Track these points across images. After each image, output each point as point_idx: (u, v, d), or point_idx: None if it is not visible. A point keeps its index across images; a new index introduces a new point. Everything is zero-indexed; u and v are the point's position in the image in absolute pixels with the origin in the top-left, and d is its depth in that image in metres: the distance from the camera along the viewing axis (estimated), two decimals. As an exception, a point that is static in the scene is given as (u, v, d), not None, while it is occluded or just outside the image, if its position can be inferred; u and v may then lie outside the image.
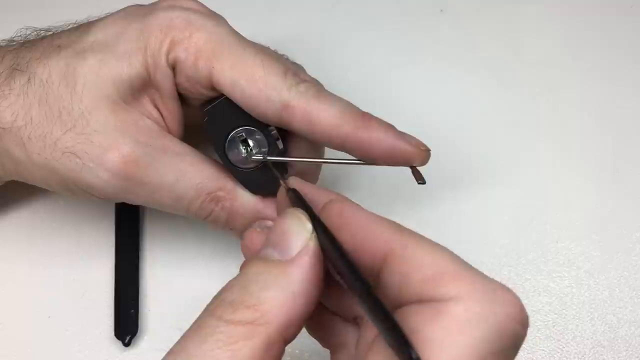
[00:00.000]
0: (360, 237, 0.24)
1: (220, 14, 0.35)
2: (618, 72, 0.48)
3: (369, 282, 0.21)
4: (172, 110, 0.34)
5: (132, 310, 0.38)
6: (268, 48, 0.35)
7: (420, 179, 0.31)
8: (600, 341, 0.38)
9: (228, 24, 0.34)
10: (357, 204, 0.25)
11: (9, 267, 0.40)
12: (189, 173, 0.33)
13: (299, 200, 0.27)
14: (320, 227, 0.24)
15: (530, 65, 0.48)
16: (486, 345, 0.20)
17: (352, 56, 0.49)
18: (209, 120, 0.33)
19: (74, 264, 0.40)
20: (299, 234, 0.24)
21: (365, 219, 0.24)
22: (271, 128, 0.34)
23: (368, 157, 0.32)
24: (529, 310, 0.39)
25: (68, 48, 0.33)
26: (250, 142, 0.34)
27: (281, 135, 0.34)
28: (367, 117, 0.32)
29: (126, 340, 0.37)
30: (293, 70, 0.33)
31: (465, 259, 0.43)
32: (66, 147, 0.32)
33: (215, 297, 0.24)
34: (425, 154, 0.32)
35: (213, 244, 0.41)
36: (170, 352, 0.22)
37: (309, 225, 0.24)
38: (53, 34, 0.36)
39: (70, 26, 0.36)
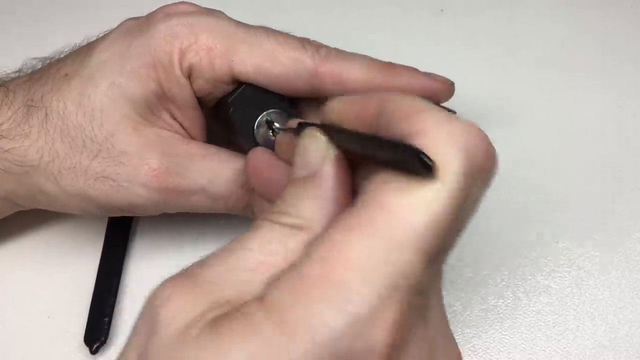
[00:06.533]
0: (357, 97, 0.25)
1: (218, 13, 0.35)
2: (618, 72, 0.48)
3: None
4: (192, 118, 0.35)
5: (106, 319, 0.37)
6: (269, 27, 0.36)
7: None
8: (601, 341, 0.37)
9: (227, 16, 0.35)
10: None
11: (9, 267, 0.40)
12: (219, 171, 0.34)
13: (306, 123, 0.28)
14: (333, 129, 0.25)
15: (530, 65, 0.48)
16: (455, 163, 0.22)
17: (352, 56, 0.49)
18: (234, 110, 0.34)
19: (74, 264, 0.40)
20: (318, 148, 0.25)
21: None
22: (286, 102, 0.34)
23: None
24: (529, 310, 0.39)
25: (76, 76, 0.34)
26: (276, 124, 0.34)
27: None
28: (391, 65, 0.34)
29: (93, 348, 0.36)
30: (306, 39, 0.34)
31: (465, 259, 0.43)
32: (97, 173, 0.33)
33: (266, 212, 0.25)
34: (452, 87, 0.34)
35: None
36: (233, 240, 0.24)
37: (323, 138, 0.25)
38: (58, 60, 0.36)
39: (70, 50, 0.37)
